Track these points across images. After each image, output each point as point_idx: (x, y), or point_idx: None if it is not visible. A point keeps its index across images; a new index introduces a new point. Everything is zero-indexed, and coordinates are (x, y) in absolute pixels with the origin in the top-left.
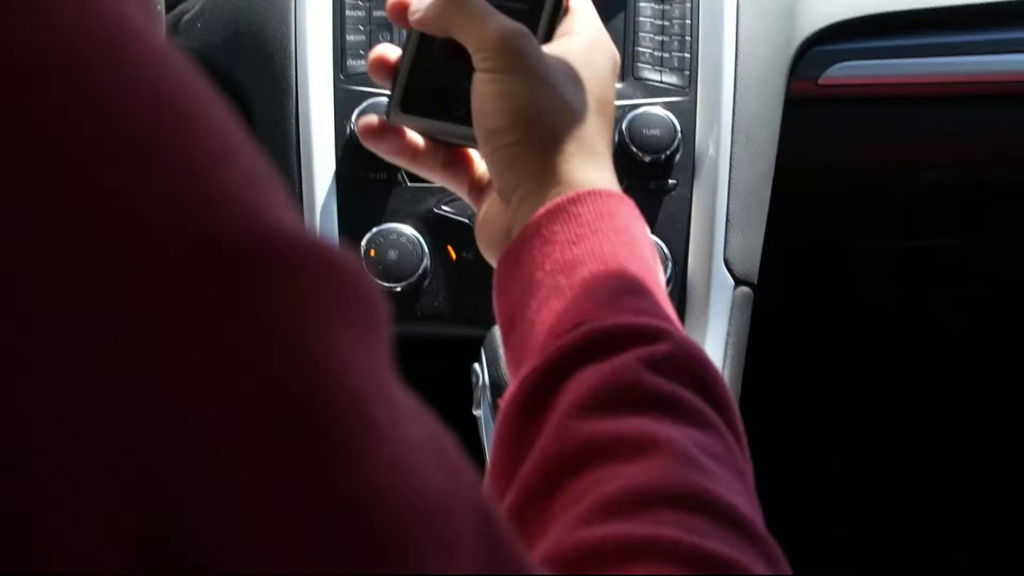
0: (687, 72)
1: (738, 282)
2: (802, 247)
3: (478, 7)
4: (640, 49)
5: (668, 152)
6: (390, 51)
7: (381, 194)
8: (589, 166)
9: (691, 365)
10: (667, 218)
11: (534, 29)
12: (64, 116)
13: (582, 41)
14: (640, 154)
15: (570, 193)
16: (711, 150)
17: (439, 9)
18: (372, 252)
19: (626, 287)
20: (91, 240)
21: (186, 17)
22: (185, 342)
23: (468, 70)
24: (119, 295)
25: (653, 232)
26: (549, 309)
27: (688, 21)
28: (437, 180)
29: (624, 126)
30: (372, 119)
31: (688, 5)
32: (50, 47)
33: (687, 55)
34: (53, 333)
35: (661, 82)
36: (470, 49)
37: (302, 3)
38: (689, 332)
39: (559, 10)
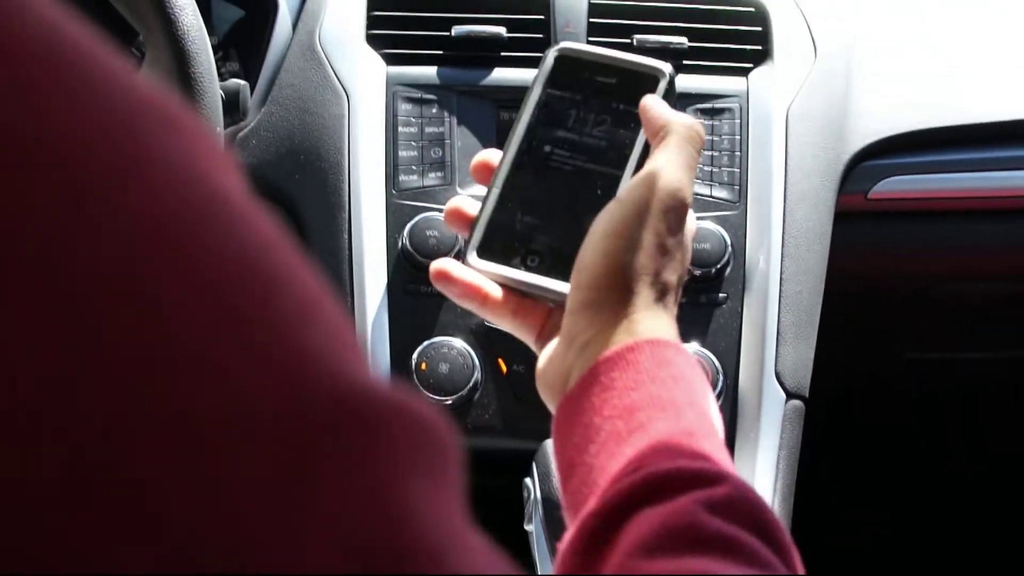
0: (737, 187)
1: (789, 395)
2: (852, 359)
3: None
4: None
5: (719, 266)
6: (466, 204)
7: (432, 307)
8: (654, 319)
9: (750, 508)
10: (718, 331)
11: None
12: (158, 280)
13: (683, 196)
14: (691, 268)
15: (629, 342)
16: (761, 264)
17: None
18: (423, 366)
19: (683, 432)
20: (180, 396)
21: (241, 134)
22: (271, 503)
23: (548, 224)
24: (207, 452)
25: (704, 346)
26: (607, 453)
27: (737, 136)
28: (506, 327)
29: None
30: (445, 264)
31: (738, 121)
32: (144, 217)
33: (737, 170)
34: (142, 492)
35: (711, 196)
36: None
37: (355, 120)
38: (740, 446)
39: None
